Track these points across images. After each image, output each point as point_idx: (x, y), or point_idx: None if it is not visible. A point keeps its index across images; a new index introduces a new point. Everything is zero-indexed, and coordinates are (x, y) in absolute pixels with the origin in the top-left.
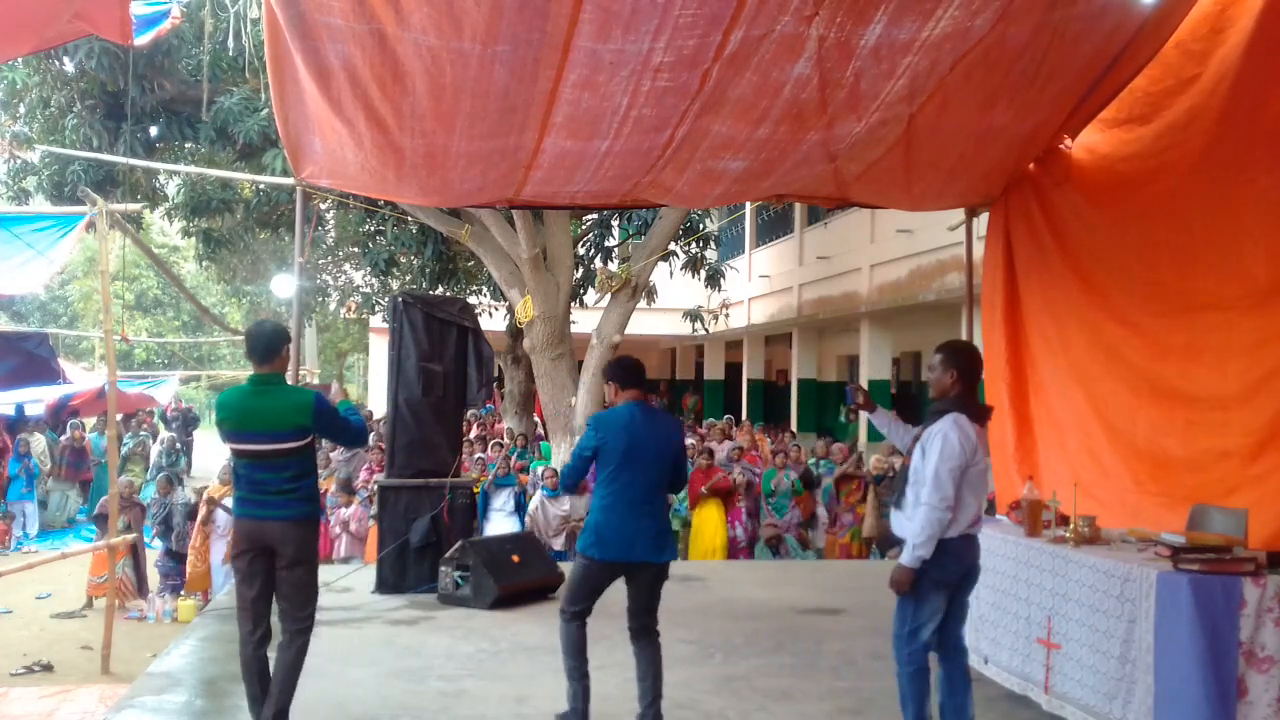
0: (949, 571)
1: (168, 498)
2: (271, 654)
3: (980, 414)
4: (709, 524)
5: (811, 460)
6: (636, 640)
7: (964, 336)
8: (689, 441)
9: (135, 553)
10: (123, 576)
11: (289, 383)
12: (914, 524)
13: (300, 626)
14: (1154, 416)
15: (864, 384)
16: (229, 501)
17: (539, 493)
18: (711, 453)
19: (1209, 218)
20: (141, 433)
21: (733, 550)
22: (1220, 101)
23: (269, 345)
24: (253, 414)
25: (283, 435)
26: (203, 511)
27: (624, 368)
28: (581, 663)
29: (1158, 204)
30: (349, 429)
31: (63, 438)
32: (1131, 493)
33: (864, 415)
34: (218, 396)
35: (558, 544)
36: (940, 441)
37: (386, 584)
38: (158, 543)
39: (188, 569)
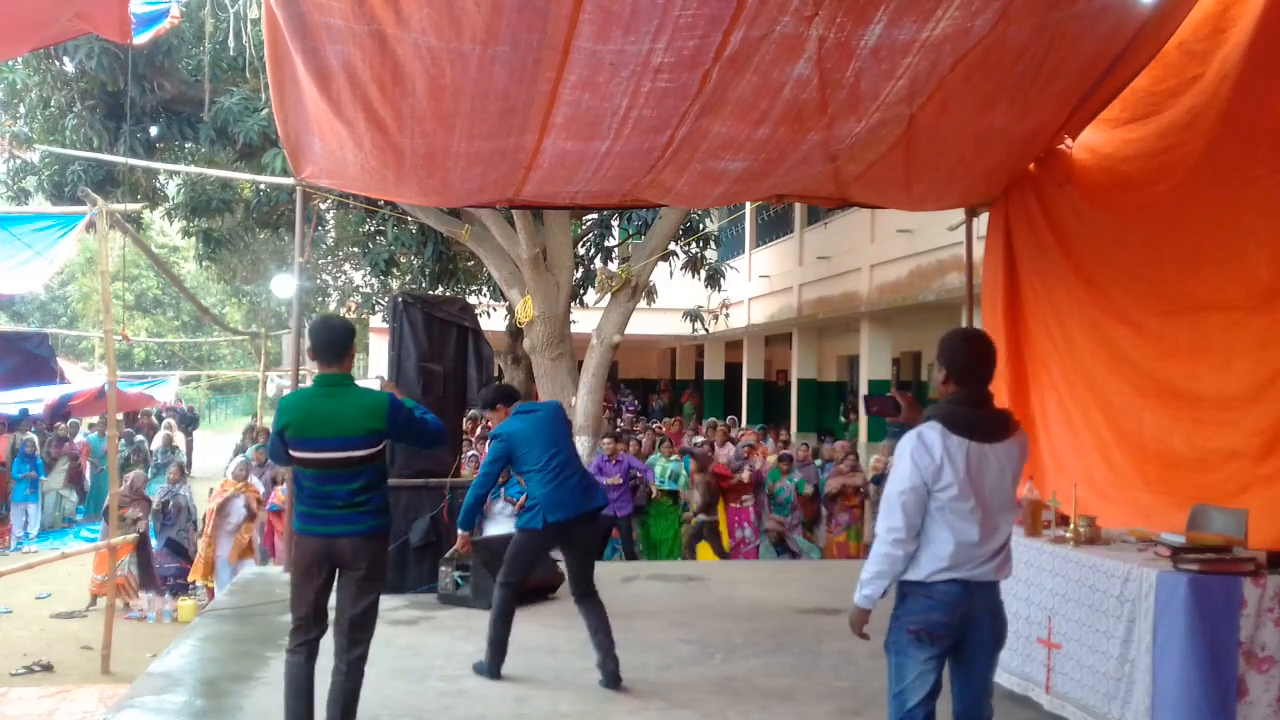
0: (927, 621)
1: (176, 485)
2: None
3: (967, 423)
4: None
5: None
6: (582, 603)
7: None
8: (700, 439)
9: (143, 547)
10: (126, 574)
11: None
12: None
13: (359, 652)
14: (1160, 417)
15: (864, 385)
16: (240, 501)
17: None
18: (712, 446)
19: (1212, 217)
20: (137, 438)
21: (738, 551)
22: (1222, 101)
23: (338, 343)
24: (321, 418)
25: (354, 441)
26: (219, 500)
27: (504, 393)
28: (506, 630)
29: (1160, 204)
30: (427, 430)
31: (56, 430)
32: (1143, 492)
33: (863, 415)
34: (280, 400)
35: None
36: (897, 460)
37: (387, 584)
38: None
39: (199, 554)
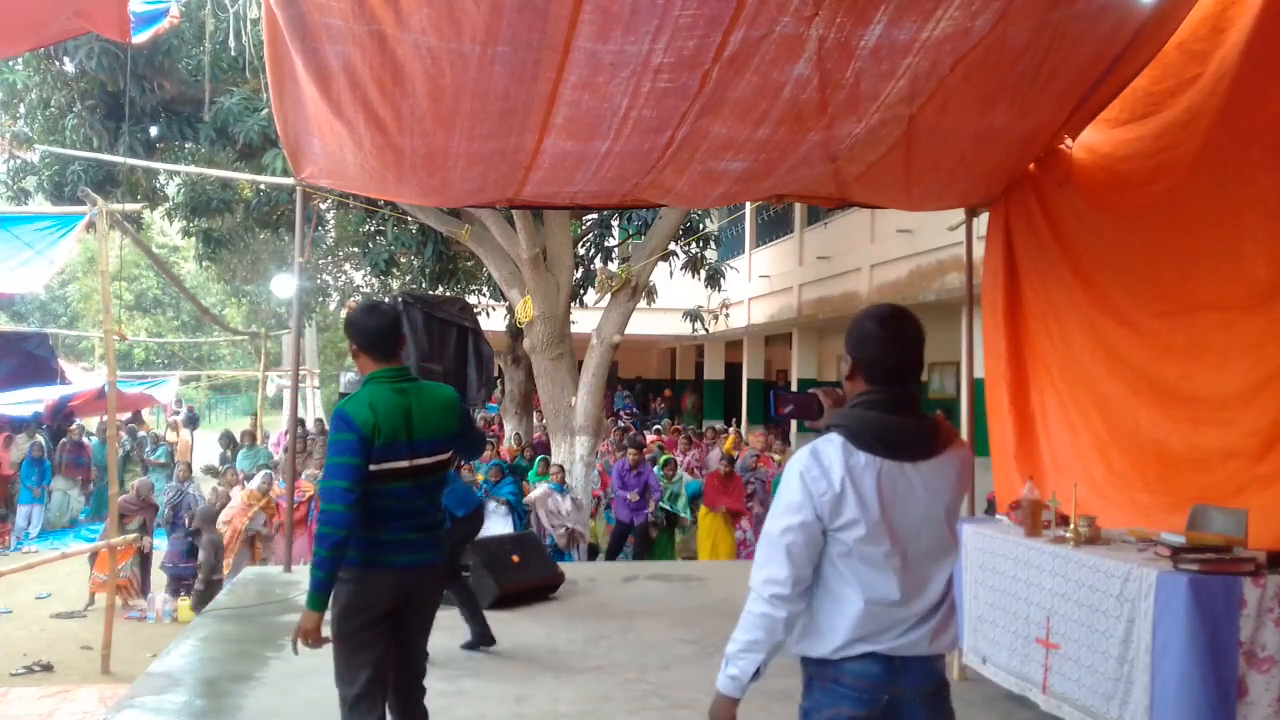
0: (838, 716)
1: (185, 484)
2: None
3: (879, 434)
4: (716, 527)
5: None
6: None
7: (964, 337)
8: (691, 454)
9: (143, 552)
10: (129, 575)
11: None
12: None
13: (423, 695)
14: (1156, 417)
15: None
16: (262, 518)
17: (545, 485)
18: (733, 460)
19: (1209, 217)
20: (140, 434)
21: (741, 551)
22: (1219, 101)
23: (395, 331)
24: (408, 418)
25: (443, 443)
26: (244, 519)
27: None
28: (474, 601)
29: (1158, 203)
30: (480, 435)
31: (62, 440)
32: (1141, 493)
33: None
34: (346, 405)
35: (557, 534)
36: (781, 485)
37: None
38: (162, 543)
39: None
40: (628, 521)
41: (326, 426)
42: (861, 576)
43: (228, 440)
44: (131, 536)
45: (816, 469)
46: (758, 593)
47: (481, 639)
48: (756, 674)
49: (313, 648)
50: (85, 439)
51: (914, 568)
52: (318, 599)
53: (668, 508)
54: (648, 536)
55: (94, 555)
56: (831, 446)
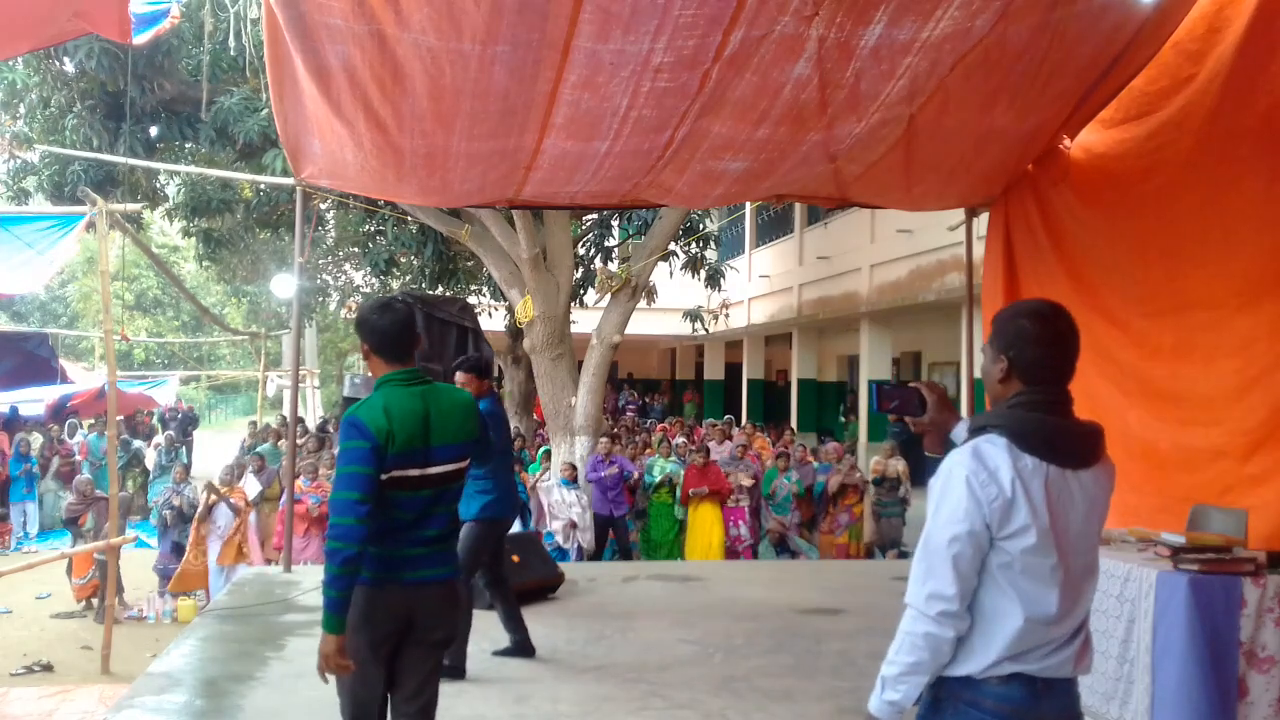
0: None
1: (181, 485)
2: None
3: (1045, 437)
4: (705, 522)
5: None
6: (497, 589)
7: (964, 337)
8: (680, 440)
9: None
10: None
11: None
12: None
13: None
14: (1144, 417)
15: (864, 385)
16: (223, 507)
17: (555, 483)
18: (708, 450)
19: (1198, 216)
20: (135, 444)
21: (734, 549)
22: (1212, 100)
23: (412, 332)
24: (426, 423)
25: (464, 449)
26: (206, 503)
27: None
28: (511, 604)
29: (1149, 202)
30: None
31: (50, 430)
32: (1130, 494)
33: (863, 414)
34: (359, 410)
35: (555, 528)
36: (939, 492)
37: None
38: (156, 542)
39: (184, 565)
40: (606, 514)
41: (329, 427)
42: (1022, 590)
43: (256, 432)
44: (131, 536)
45: (984, 472)
46: (920, 610)
47: (520, 648)
48: (917, 700)
49: (339, 673)
50: (76, 441)
51: (1073, 582)
52: (332, 620)
53: (665, 470)
54: (626, 528)
55: (70, 562)
56: (995, 448)
